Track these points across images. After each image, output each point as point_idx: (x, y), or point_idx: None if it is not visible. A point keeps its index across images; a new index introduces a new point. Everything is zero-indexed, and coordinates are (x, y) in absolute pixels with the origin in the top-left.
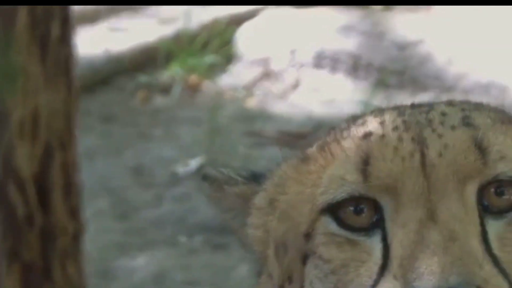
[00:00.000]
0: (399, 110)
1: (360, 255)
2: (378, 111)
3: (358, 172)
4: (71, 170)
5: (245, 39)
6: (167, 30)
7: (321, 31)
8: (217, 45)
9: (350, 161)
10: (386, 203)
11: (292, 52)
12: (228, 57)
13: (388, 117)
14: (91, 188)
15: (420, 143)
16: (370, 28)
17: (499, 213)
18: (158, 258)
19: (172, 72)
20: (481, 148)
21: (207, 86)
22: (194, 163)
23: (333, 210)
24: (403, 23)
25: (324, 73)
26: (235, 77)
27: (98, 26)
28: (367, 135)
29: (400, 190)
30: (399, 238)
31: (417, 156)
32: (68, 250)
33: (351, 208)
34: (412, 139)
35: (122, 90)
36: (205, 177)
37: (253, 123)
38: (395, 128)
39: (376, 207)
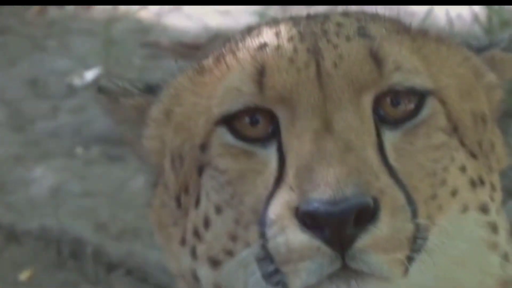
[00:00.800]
0: (294, 21)
1: (256, 166)
2: (273, 22)
3: (254, 83)
4: None
5: None
6: None
7: None
8: None
9: (246, 72)
10: (281, 114)
11: None
12: None
13: (283, 28)
14: None
15: (316, 54)
16: None
17: (395, 123)
18: (54, 169)
19: None
20: (376, 59)
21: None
22: (89, 75)
23: (229, 121)
24: None
25: None
26: None
27: None
28: (263, 46)
29: (295, 101)
30: (294, 149)
31: (313, 67)
32: None
33: (247, 119)
34: (308, 50)
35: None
36: (101, 89)
37: (148, 35)
38: (290, 39)
39: (272, 118)
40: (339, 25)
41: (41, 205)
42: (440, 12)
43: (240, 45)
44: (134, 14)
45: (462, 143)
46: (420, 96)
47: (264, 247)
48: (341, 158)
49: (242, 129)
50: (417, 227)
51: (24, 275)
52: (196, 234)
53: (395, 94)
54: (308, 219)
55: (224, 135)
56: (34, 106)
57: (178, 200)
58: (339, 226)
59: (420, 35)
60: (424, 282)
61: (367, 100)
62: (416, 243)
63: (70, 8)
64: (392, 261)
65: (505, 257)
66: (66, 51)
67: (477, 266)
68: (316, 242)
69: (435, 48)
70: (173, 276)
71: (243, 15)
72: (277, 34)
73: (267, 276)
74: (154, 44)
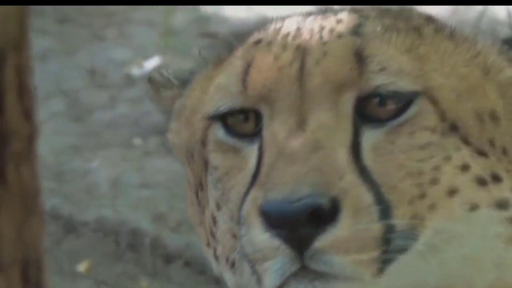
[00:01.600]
0: (306, 15)
1: (240, 162)
2: (293, 16)
3: (239, 82)
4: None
5: None
6: None
7: None
8: None
9: (234, 70)
10: (265, 112)
11: None
12: None
13: (287, 23)
14: (45, 90)
15: (303, 51)
16: None
17: (380, 122)
18: (112, 160)
19: None
20: (360, 58)
21: None
22: (148, 65)
23: (223, 117)
24: None
25: None
26: None
27: None
28: (257, 43)
29: (274, 100)
30: (268, 146)
31: (296, 65)
32: (22, 153)
33: (241, 116)
34: (298, 47)
35: None
36: (150, 80)
37: (208, 26)
38: (286, 35)
39: (260, 116)
40: (338, 21)
41: (99, 196)
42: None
43: (247, 39)
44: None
45: (466, 142)
46: (407, 97)
47: (240, 246)
48: (304, 157)
49: (235, 125)
50: (390, 228)
51: (82, 266)
52: (212, 233)
53: (383, 96)
54: (266, 219)
55: (217, 131)
56: (93, 96)
57: (197, 197)
58: (293, 226)
59: (424, 33)
60: (422, 281)
61: (347, 99)
62: (391, 243)
63: None
64: (356, 262)
65: None
66: (125, 41)
67: (492, 263)
68: (276, 242)
69: (437, 46)
70: None
71: (303, 6)
72: (278, 30)
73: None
74: (213, 34)
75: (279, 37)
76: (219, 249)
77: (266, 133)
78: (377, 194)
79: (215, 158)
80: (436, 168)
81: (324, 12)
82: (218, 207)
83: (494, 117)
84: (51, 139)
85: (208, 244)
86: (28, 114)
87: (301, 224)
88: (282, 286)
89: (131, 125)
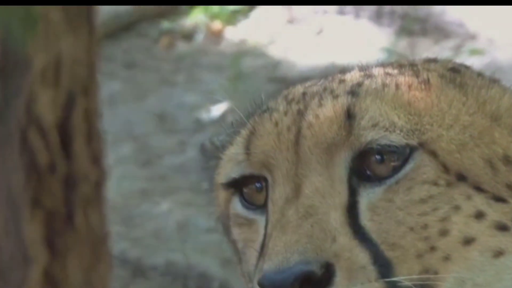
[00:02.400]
0: (324, 78)
1: (253, 234)
2: (316, 80)
3: (243, 150)
4: (94, 116)
5: None
6: None
7: None
8: None
9: (240, 139)
10: (269, 179)
11: None
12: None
13: (298, 88)
14: (114, 135)
15: (302, 115)
16: None
17: (379, 180)
18: (181, 204)
19: (195, 18)
20: (350, 115)
21: (230, 32)
22: (217, 110)
23: (239, 187)
24: None
25: (347, 19)
26: (257, 23)
27: None
28: (265, 110)
29: (273, 166)
30: (271, 216)
31: (294, 130)
32: (91, 197)
33: (254, 186)
34: (298, 111)
35: (145, 36)
36: (201, 149)
37: (276, 70)
38: (291, 101)
39: (268, 184)
40: (341, 81)
41: (168, 239)
42: None
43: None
44: (262, 49)
45: (479, 189)
46: (402, 152)
47: None
48: (296, 225)
49: (250, 196)
50: (392, 285)
51: None
52: None
53: (378, 152)
54: None
55: (236, 205)
56: (161, 141)
57: (241, 269)
58: None
59: (431, 84)
60: None
61: (341, 159)
62: None
63: (198, 43)
64: None
65: None
66: (194, 85)
67: None
68: None
69: (442, 96)
70: None
71: (371, 52)
72: (286, 96)
73: None
74: (281, 79)
75: (283, 103)
76: None
77: (269, 202)
78: (375, 253)
79: (234, 232)
80: (444, 219)
81: (335, 73)
82: (247, 281)
83: (508, 161)
84: (120, 183)
85: None
86: (96, 158)
87: None
88: None
89: (200, 169)
